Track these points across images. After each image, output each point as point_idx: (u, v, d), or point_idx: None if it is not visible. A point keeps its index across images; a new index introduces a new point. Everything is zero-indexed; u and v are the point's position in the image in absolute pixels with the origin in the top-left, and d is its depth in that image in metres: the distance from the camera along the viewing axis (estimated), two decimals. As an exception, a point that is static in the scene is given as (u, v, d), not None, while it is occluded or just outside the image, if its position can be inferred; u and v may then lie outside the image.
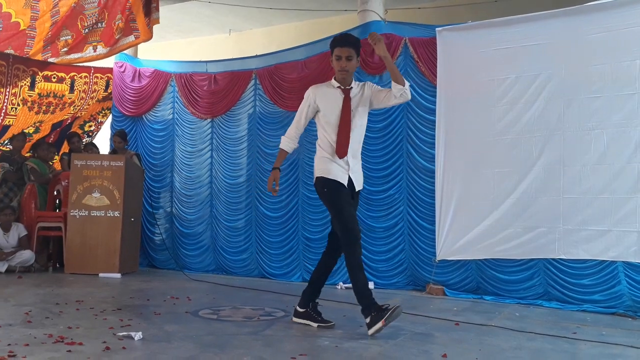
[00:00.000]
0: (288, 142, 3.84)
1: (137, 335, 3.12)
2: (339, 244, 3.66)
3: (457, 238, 5.47)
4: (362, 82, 3.90)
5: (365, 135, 6.05)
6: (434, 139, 5.65)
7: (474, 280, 5.52)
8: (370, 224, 6.02)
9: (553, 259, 5.08)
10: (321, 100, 3.75)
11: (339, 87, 3.76)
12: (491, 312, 4.62)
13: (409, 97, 3.75)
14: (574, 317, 4.54)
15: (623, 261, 4.76)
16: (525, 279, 5.25)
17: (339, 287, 5.91)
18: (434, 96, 5.69)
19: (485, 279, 5.45)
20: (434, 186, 5.65)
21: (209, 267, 7.15)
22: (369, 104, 3.82)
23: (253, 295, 5.21)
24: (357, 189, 3.79)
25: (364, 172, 3.67)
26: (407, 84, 3.70)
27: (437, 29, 5.68)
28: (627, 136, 4.78)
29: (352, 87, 3.78)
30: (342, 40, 3.70)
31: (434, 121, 5.68)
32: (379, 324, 3.36)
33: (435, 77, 5.68)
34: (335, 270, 6.14)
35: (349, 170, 3.71)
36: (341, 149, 3.68)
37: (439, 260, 5.55)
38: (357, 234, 3.55)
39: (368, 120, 6.29)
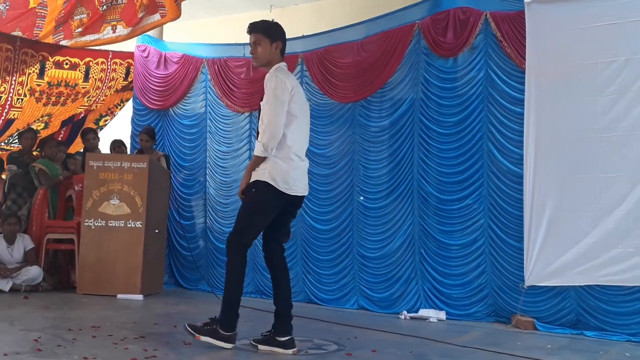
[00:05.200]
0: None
1: (164, 369, 3.15)
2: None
3: (551, 259, 5.41)
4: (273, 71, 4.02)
5: (436, 132, 6.11)
6: (522, 137, 5.62)
7: (572, 312, 5.45)
8: (442, 240, 6.01)
9: (674, 287, 4.98)
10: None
11: None
12: (594, 352, 4.59)
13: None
14: (700, 360, 4.44)
15: None
16: (638, 310, 5.14)
17: (403, 316, 5.90)
18: (522, 83, 5.66)
19: (586, 311, 5.37)
20: (522, 195, 5.60)
21: (246, 288, 7.12)
22: None
23: (299, 324, 5.10)
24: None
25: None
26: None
27: (525, 1, 5.64)
28: None
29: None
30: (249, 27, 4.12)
31: (522, 114, 5.64)
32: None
33: (524, 59, 5.64)
34: (398, 298, 6.11)
35: None
36: None
37: (528, 287, 5.50)
38: None
39: (438, 113, 6.34)
